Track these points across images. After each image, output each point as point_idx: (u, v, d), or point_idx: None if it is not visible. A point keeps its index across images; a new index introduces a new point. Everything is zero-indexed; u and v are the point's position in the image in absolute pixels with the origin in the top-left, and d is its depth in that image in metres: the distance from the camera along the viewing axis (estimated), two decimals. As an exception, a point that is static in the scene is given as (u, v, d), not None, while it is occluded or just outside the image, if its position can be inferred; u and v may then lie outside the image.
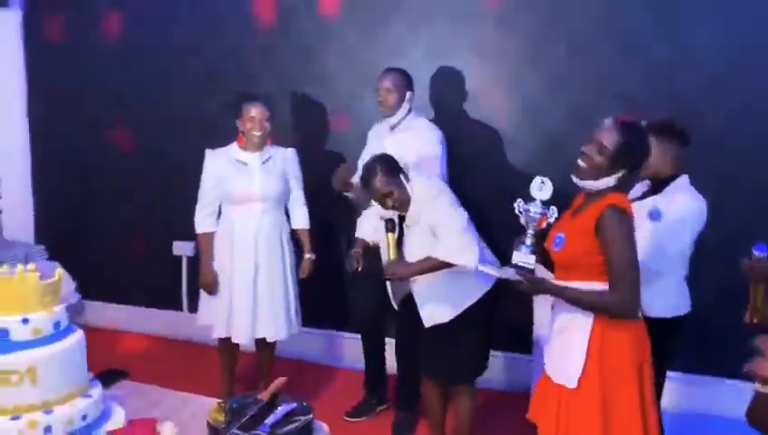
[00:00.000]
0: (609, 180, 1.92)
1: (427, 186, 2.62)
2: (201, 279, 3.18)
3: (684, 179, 2.49)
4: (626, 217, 1.89)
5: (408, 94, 3.12)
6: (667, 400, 2.65)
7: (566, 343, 1.99)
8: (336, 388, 3.67)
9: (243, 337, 3.16)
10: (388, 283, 2.81)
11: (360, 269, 2.79)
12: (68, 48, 4.38)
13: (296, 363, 3.79)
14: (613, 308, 1.90)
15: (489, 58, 3.55)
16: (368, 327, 3.47)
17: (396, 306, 2.90)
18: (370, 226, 2.89)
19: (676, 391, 3.00)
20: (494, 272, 2.11)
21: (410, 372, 3.34)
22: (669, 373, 2.56)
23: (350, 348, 3.89)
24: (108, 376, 2.11)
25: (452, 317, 2.61)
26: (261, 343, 3.26)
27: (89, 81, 4.35)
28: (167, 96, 4.18)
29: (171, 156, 4.16)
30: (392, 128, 3.16)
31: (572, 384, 1.94)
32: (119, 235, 4.43)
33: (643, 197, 2.46)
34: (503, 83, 3.55)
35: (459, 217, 2.57)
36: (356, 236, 2.96)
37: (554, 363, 2.06)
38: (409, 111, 3.16)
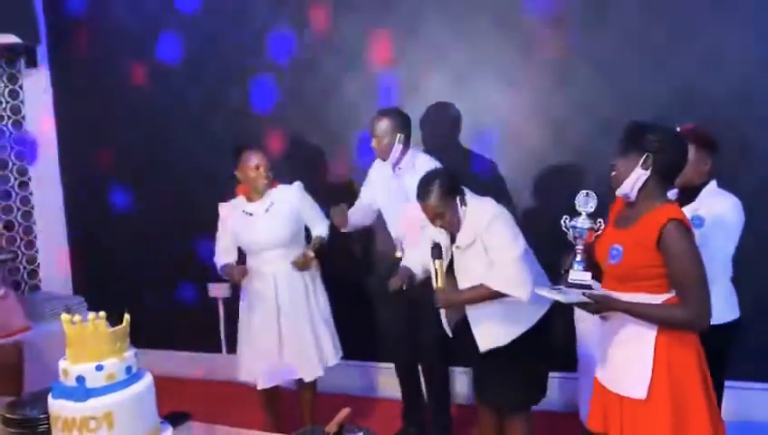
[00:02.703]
0: (635, 174, 1.95)
1: (483, 210, 2.53)
2: (233, 279, 3.22)
3: (713, 184, 2.54)
4: (688, 231, 1.90)
5: (399, 136, 3.12)
6: (726, 409, 2.64)
7: (630, 354, 2.00)
8: (375, 419, 3.67)
9: (266, 382, 3.20)
10: (442, 310, 2.74)
11: (404, 287, 2.74)
12: (96, 99, 4.49)
13: (334, 397, 3.76)
14: (685, 323, 1.91)
15: (517, 83, 3.61)
16: (401, 355, 3.47)
17: (450, 333, 2.82)
18: (418, 255, 2.79)
19: (734, 400, 2.98)
20: (559, 297, 2.04)
21: (440, 398, 3.38)
22: (727, 382, 2.56)
23: (387, 378, 3.90)
24: (173, 418, 2.12)
25: (508, 341, 2.55)
26: (300, 381, 3.29)
27: (119, 131, 4.46)
28: (196, 144, 4.27)
29: (202, 200, 4.18)
30: (394, 168, 3.19)
31: (642, 395, 1.94)
32: (154, 281, 4.49)
33: None
34: (531, 106, 3.60)
35: (515, 244, 2.49)
36: (402, 265, 2.89)
37: (616, 375, 2.06)
38: (405, 150, 3.16)
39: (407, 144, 3.18)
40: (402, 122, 3.17)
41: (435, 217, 2.54)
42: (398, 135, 3.13)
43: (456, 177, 2.61)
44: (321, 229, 3.30)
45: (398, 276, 2.74)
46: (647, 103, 3.33)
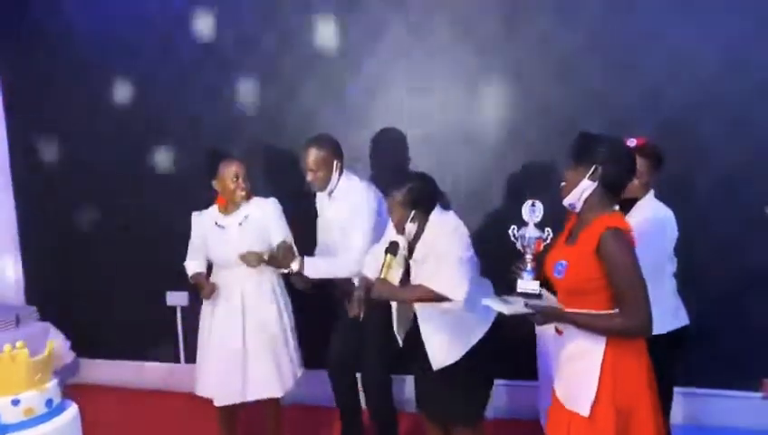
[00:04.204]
0: (583, 185, 1.94)
1: (442, 223, 2.52)
2: (201, 294, 3.12)
3: (649, 195, 2.57)
4: (625, 238, 1.89)
5: (336, 163, 3.00)
6: (679, 414, 2.64)
7: (577, 370, 1.97)
8: (335, 429, 3.57)
9: (223, 400, 3.10)
10: (394, 317, 2.70)
11: (362, 316, 2.71)
12: (49, 110, 4.31)
13: (293, 408, 3.68)
14: (628, 330, 1.88)
15: (475, 84, 3.55)
16: (335, 364, 3.29)
17: (400, 342, 2.76)
18: (376, 264, 2.73)
19: (687, 405, 2.98)
20: (503, 308, 2.00)
21: (382, 412, 3.24)
22: (680, 388, 2.56)
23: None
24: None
25: (459, 357, 2.51)
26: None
27: (75, 133, 4.29)
28: (150, 155, 4.14)
29: (160, 206, 4.12)
30: (329, 195, 3.09)
31: (585, 412, 1.92)
32: (110, 290, 4.36)
33: None
34: (490, 107, 3.55)
35: (460, 251, 2.45)
36: (361, 274, 2.85)
37: (565, 390, 2.04)
38: (339, 176, 3.05)
39: (341, 170, 3.05)
40: (335, 149, 3.02)
41: (395, 215, 2.55)
42: (335, 162, 2.99)
43: (429, 194, 2.56)
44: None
45: (354, 303, 2.76)
46: (607, 105, 3.30)
